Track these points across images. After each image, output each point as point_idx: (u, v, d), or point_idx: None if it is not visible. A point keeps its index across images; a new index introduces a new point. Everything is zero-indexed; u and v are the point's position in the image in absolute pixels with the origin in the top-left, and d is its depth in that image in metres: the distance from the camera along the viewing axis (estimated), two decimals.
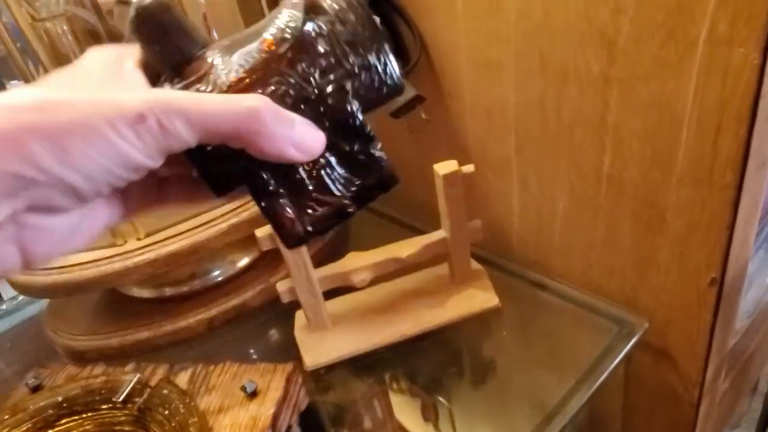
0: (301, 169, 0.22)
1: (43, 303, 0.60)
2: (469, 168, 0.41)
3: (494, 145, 0.47)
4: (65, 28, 0.43)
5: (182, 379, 0.40)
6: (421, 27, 0.47)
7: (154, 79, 0.21)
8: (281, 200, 0.23)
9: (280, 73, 0.21)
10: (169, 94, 0.19)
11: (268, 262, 0.54)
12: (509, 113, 0.45)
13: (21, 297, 0.64)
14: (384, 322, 0.46)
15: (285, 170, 0.22)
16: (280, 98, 0.21)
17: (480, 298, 0.46)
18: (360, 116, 0.23)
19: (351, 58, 0.22)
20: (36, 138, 0.16)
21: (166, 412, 0.36)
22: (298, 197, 0.23)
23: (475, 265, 0.47)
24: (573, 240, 0.46)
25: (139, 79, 0.20)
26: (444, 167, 0.41)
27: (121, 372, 0.40)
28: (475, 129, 0.48)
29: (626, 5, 0.33)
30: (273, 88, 0.21)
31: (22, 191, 0.16)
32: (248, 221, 0.48)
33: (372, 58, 0.22)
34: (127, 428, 0.38)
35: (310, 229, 0.23)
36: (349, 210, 0.23)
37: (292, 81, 0.21)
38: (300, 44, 0.22)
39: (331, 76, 0.22)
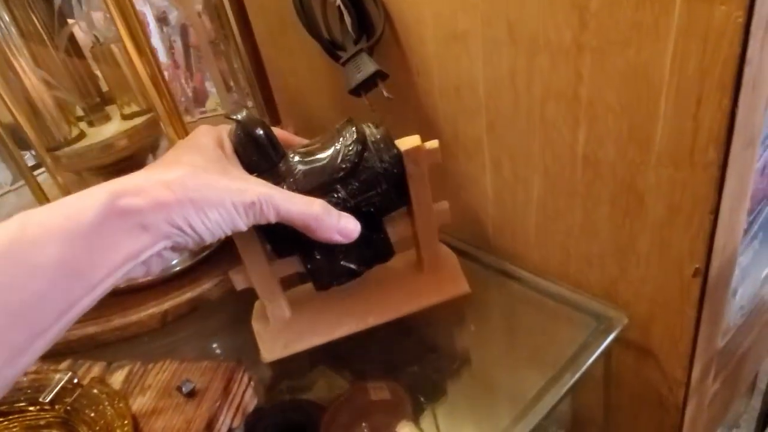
0: (340, 249, 0.38)
1: None
2: (432, 144, 0.37)
3: (465, 124, 0.44)
4: None
5: (117, 378, 0.37)
6: None
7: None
8: (320, 265, 0.39)
9: (335, 190, 0.36)
10: (270, 192, 0.31)
11: (228, 252, 0.51)
12: (479, 89, 0.41)
13: None
14: (347, 311, 0.43)
15: (327, 247, 0.36)
16: (333, 204, 0.35)
17: (450, 284, 0.43)
18: (374, 217, 0.38)
19: (379, 188, 0.36)
20: (192, 207, 0.27)
21: (93, 414, 0.33)
22: (331, 264, 0.39)
23: (444, 249, 0.44)
24: (549, 228, 0.43)
25: (236, 161, 0.34)
26: (405, 143, 0.37)
27: (54, 370, 0.37)
28: (444, 108, 0.44)
29: None
30: (328, 198, 0.35)
31: (175, 237, 0.27)
32: None
33: (390, 187, 0.37)
34: (54, 431, 0.35)
35: (334, 283, 0.40)
36: (359, 273, 0.40)
37: (341, 196, 0.36)
38: (351, 172, 0.36)
39: (365, 194, 0.36)
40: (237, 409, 0.35)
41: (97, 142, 0.46)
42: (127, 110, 0.48)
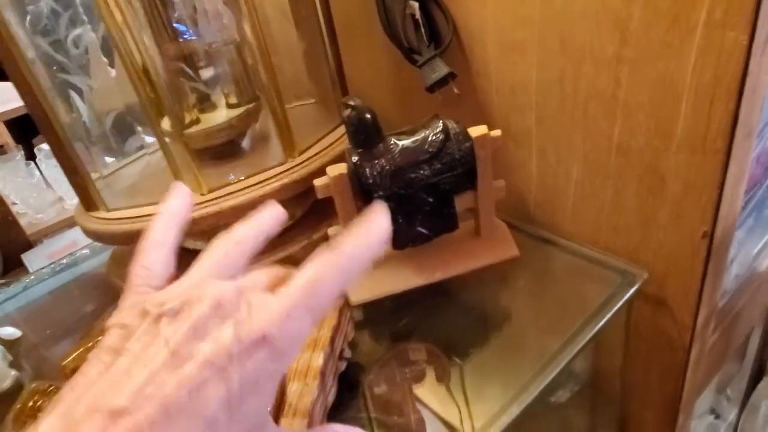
0: (415, 215, 0.48)
1: (101, 258, 0.66)
2: (496, 132, 0.47)
3: (516, 118, 0.53)
4: None
5: None
6: (453, 12, 0.53)
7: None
8: (400, 229, 0.48)
9: (422, 168, 0.46)
10: None
11: (310, 221, 0.60)
12: (531, 90, 0.51)
13: (78, 253, 0.70)
14: (418, 267, 0.52)
15: (407, 214, 0.48)
16: (417, 179, 0.46)
17: (502, 248, 0.52)
18: (449, 194, 0.47)
19: (455, 171, 0.46)
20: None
21: None
22: (409, 229, 0.49)
23: (497, 220, 0.54)
24: (585, 204, 0.53)
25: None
26: (475, 131, 0.47)
27: None
28: (500, 104, 0.54)
29: None
30: (413, 175, 0.46)
31: None
32: (297, 182, 0.54)
33: (463, 171, 0.47)
34: None
35: (409, 244, 0.50)
36: (430, 239, 0.50)
37: (425, 173, 0.46)
38: (435, 156, 0.46)
39: (444, 175, 0.46)
40: (345, 335, 0.45)
41: (211, 126, 0.55)
42: (232, 100, 0.58)
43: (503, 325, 0.52)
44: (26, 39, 0.50)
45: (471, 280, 0.53)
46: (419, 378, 0.49)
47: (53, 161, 1.46)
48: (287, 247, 0.58)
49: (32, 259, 1.45)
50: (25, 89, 0.49)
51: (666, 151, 0.44)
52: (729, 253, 0.49)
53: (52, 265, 0.67)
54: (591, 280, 0.52)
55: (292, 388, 0.41)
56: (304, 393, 0.40)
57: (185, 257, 0.57)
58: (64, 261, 0.69)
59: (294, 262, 0.52)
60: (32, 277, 0.67)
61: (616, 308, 0.48)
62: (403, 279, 0.52)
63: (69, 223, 1.60)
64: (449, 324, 0.52)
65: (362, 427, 0.44)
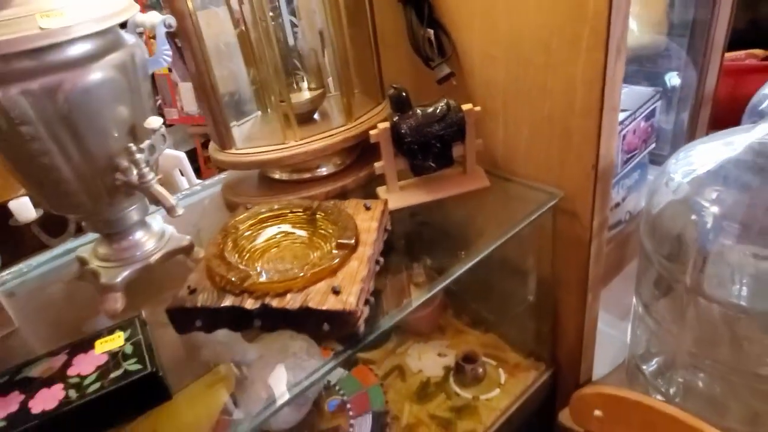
0: (428, 154, 0.82)
1: (215, 190, 0.99)
2: (477, 108, 0.81)
3: (490, 102, 0.87)
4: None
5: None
6: (454, 37, 0.88)
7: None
8: (418, 164, 0.83)
9: (435, 125, 0.80)
10: None
11: (357, 166, 0.93)
12: (499, 84, 0.85)
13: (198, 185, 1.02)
14: (429, 190, 0.86)
15: (424, 153, 0.81)
16: (432, 133, 0.81)
17: (479, 181, 0.86)
18: (449, 142, 0.81)
19: (453, 128, 0.81)
20: None
21: (331, 214, 0.75)
22: (424, 163, 0.82)
23: (477, 166, 0.87)
24: (530, 154, 0.86)
25: None
26: (465, 107, 0.81)
27: (294, 201, 0.79)
28: (480, 93, 0.88)
29: (554, 26, 0.74)
30: (428, 130, 0.80)
31: None
32: (353, 136, 0.87)
33: (458, 129, 0.81)
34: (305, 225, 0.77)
35: (424, 173, 0.84)
36: (436, 170, 0.84)
37: (436, 129, 0.80)
38: (442, 119, 0.81)
39: (447, 130, 0.81)
40: (386, 221, 0.78)
41: (300, 101, 0.89)
42: (312, 85, 0.91)
43: (476, 222, 0.86)
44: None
45: (459, 201, 0.87)
46: None
47: None
48: (342, 181, 0.91)
49: None
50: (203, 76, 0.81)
51: (572, 117, 0.78)
52: (610, 181, 0.82)
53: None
54: (531, 198, 0.85)
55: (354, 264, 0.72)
56: (360, 269, 0.71)
57: (276, 186, 0.93)
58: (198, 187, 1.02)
59: (345, 190, 0.87)
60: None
61: (545, 209, 0.82)
62: (421, 196, 0.85)
63: None
64: (444, 224, 0.86)
65: None
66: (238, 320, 0.64)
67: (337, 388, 1.00)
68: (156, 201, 0.63)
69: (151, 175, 0.63)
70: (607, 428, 0.77)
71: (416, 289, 0.70)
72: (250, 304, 0.62)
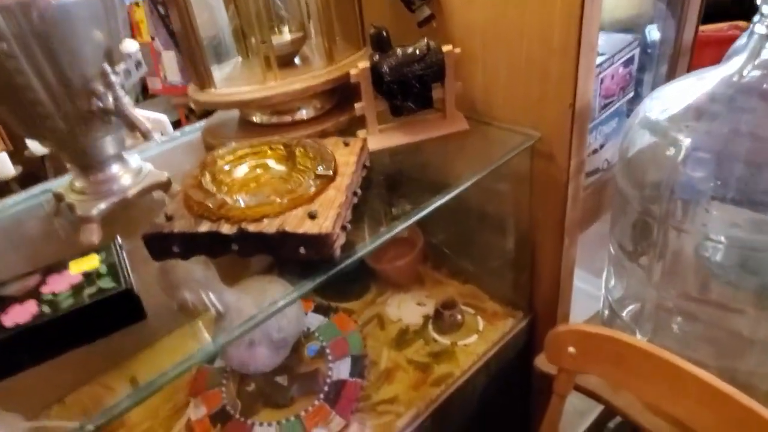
0: (408, 95, 0.82)
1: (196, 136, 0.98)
2: (457, 49, 0.81)
3: (469, 43, 0.88)
4: None
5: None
6: None
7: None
8: (397, 104, 0.83)
9: (414, 64, 0.80)
10: None
11: (337, 111, 0.93)
12: (478, 27, 0.85)
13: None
14: (407, 133, 0.86)
15: (403, 94, 0.81)
16: (413, 72, 0.81)
17: (459, 125, 0.86)
18: (428, 83, 0.82)
19: (433, 68, 0.81)
20: None
21: (310, 150, 0.75)
22: (403, 103, 0.83)
23: (456, 111, 0.88)
24: (508, 97, 0.87)
25: None
26: (445, 48, 0.81)
27: (274, 138, 0.79)
28: (460, 35, 0.88)
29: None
30: (408, 69, 0.80)
31: None
32: (333, 78, 0.87)
33: (438, 69, 0.81)
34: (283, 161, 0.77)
35: (403, 113, 0.85)
36: (415, 111, 0.84)
37: (416, 68, 0.80)
38: (421, 59, 0.80)
39: (427, 70, 0.81)
40: (364, 158, 0.78)
41: (281, 43, 0.88)
42: (292, 29, 0.91)
43: (454, 164, 0.86)
44: None
45: (438, 144, 0.87)
46: None
47: None
48: (322, 125, 0.90)
49: None
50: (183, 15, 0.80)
51: (550, 57, 0.78)
52: (587, 121, 0.83)
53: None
54: (509, 141, 0.86)
55: (332, 192, 0.72)
56: (338, 197, 0.72)
57: (256, 129, 0.93)
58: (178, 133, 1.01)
59: (325, 134, 0.87)
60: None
61: (521, 148, 0.82)
62: (401, 138, 0.86)
63: None
64: (422, 165, 0.86)
65: None
66: (215, 246, 0.64)
67: (316, 334, 1.01)
68: (132, 126, 0.63)
69: (126, 99, 0.62)
70: (580, 364, 0.79)
71: (393, 221, 0.70)
72: (227, 229, 0.63)
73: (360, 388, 0.91)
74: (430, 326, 1.02)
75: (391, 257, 1.12)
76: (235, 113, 0.95)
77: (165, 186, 0.77)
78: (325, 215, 0.62)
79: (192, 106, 1.31)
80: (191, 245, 0.64)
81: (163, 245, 0.64)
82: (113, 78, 0.61)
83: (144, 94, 3.18)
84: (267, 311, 0.61)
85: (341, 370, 0.93)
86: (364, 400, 0.90)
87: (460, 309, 1.01)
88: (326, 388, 0.91)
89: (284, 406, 0.91)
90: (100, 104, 0.63)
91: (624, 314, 0.96)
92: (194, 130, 1.00)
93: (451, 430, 0.94)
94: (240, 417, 0.89)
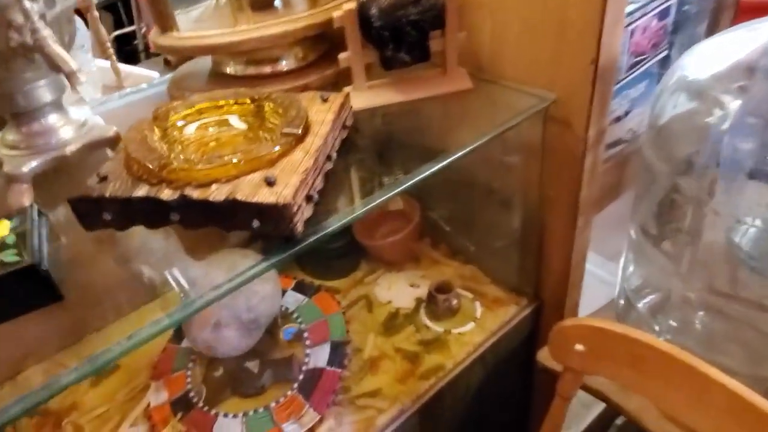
0: (402, 44, 0.69)
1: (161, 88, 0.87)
2: None
3: None
4: None
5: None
6: None
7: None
8: (389, 56, 0.70)
9: (410, 8, 0.67)
10: None
11: (321, 63, 0.81)
12: None
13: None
14: (401, 91, 0.74)
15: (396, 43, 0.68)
16: (408, 16, 0.67)
17: (461, 83, 0.74)
18: (426, 31, 0.69)
19: (431, 12, 0.68)
20: None
21: (281, 105, 0.64)
22: (395, 55, 0.70)
23: (459, 67, 0.75)
24: (520, 54, 0.74)
25: None
26: None
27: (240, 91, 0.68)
28: None
29: None
30: (401, 13, 0.67)
31: None
32: (317, 24, 0.74)
33: (437, 13, 0.68)
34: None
35: (395, 66, 0.71)
36: (409, 64, 0.72)
37: (412, 11, 0.67)
38: (418, 1, 0.67)
39: (424, 15, 0.68)
40: (347, 116, 0.66)
41: None
42: None
43: (455, 128, 0.74)
44: None
45: (436, 104, 0.75)
46: None
47: None
48: (304, 79, 0.79)
49: None
50: None
51: (570, 4, 0.65)
52: (612, 82, 0.71)
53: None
54: (518, 102, 0.73)
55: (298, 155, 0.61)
56: (305, 161, 0.60)
57: (229, 82, 0.79)
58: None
59: (308, 89, 0.73)
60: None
61: (532, 112, 0.70)
62: (392, 96, 0.74)
63: None
64: (416, 129, 0.74)
65: None
66: (152, 214, 0.53)
67: (294, 315, 0.91)
68: (54, 66, 0.52)
69: (46, 32, 0.51)
70: (589, 364, 0.68)
71: (374, 192, 0.59)
72: (167, 194, 0.52)
73: (339, 379, 0.81)
74: (422, 311, 0.91)
75: (383, 232, 1.01)
76: (207, 63, 0.84)
77: (113, 143, 0.66)
78: (285, 182, 0.51)
79: (168, 57, 1.19)
80: (125, 213, 0.54)
81: (92, 211, 0.54)
82: (29, 4, 0.49)
83: (147, 53, 3.05)
84: (225, 288, 0.51)
85: (319, 357, 0.83)
86: (343, 392, 0.80)
87: (456, 293, 0.90)
88: (301, 377, 0.81)
89: (254, 395, 0.81)
90: (20, 38, 0.51)
91: (641, 305, 0.85)
92: (162, 82, 0.89)
93: (440, 429, 0.84)
94: (204, 406, 0.80)
